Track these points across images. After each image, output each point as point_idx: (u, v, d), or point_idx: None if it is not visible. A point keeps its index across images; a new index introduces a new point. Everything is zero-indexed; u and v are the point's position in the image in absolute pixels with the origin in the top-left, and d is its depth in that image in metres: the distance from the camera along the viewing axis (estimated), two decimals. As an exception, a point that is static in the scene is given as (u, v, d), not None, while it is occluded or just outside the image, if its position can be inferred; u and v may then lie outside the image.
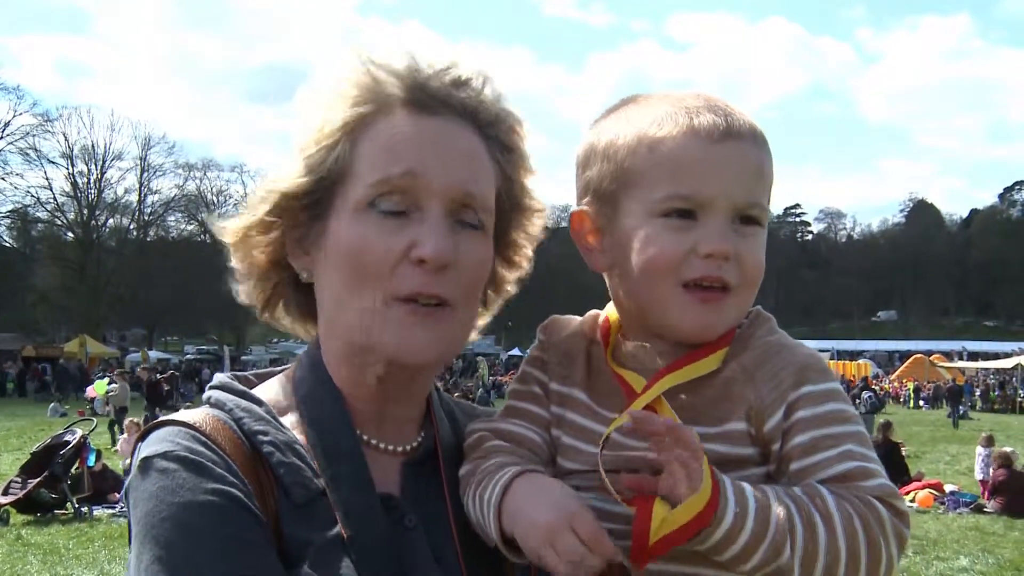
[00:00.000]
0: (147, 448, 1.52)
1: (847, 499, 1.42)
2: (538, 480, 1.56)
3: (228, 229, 1.73)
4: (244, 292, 1.78)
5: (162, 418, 1.60)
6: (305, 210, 1.65)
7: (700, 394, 1.58)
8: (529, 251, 1.84)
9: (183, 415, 1.60)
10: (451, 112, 1.63)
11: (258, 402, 1.66)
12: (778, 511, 1.39)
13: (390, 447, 1.70)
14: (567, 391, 1.72)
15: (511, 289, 1.88)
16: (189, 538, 1.41)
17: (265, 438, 1.59)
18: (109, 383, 34.15)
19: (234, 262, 1.75)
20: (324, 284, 1.65)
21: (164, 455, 1.49)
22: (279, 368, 1.83)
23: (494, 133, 1.69)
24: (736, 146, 1.57)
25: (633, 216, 1.61)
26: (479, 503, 1.58)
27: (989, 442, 21.42)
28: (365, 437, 1.67)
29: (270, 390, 1.73)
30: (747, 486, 1.42)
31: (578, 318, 1.80)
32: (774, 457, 1.52)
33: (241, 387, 1.70)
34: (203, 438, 1.53)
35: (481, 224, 1.64)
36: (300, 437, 1.63)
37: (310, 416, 1.64)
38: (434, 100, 1.62)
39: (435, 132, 1.61)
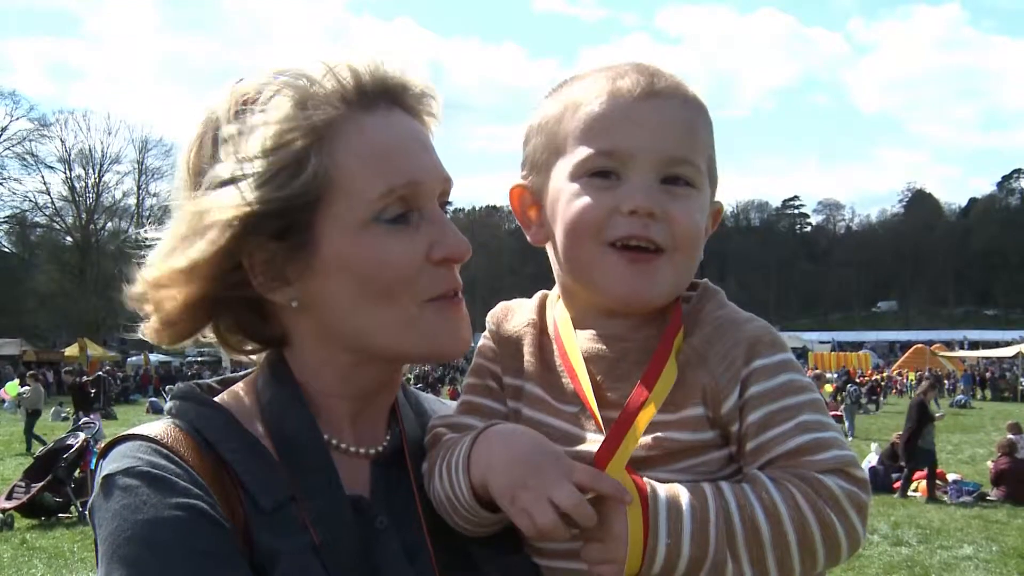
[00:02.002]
0: (108, 465, 1.48)
1: (791, 483, 1.41)
2: (512, 426, 1.55)
3: (154, 272, 1.60)
4: (154, 332, 1.66)
5: (123, 433, 1.56)
6: (274, 238, 1.53)
7: None
8: None
9: (144, 428, 1.55)
10: (402, 108, 1.63)
11: (220, 409, 1.62)
12: (717, 523, 1.39)
13: (361, 449, 1.67)
14: (520, 384, 1.66)
15: None
16: (157, 555, 1.38)
17: (229, 446, 1.55)
18: (21, 384, 33.06)
19: (150, 306, 1.63)
20: (331, 306, 1.58)
21: (126, 472, 1.45)
22: (242, 374, 1.77)
23: (430, 122, 1.70)
24: (659, 103, 1.53)
25: (560, 180, 1.58)
26: (447, 470, 1.54)
27: (1016, 429, 20.75)
28: (334, 441, 1.64)
29: (233, 397, 1.69)
30: (684, 504, 1.40)
31: (527, 302, 1.76)
32: (733, 438, 1.50)
33: (202, 395, 1.66)
34: (165, 451, 1.49)
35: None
36: (266, 443, 1.58)
37: (275, 422, 1.60)
38: (385, 95, 1.60)
39: (414, 132, 1.62)
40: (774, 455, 1.46)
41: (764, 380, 1.49)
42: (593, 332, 1.62)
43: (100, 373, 44.54)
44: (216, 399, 1.66)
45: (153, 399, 44.78)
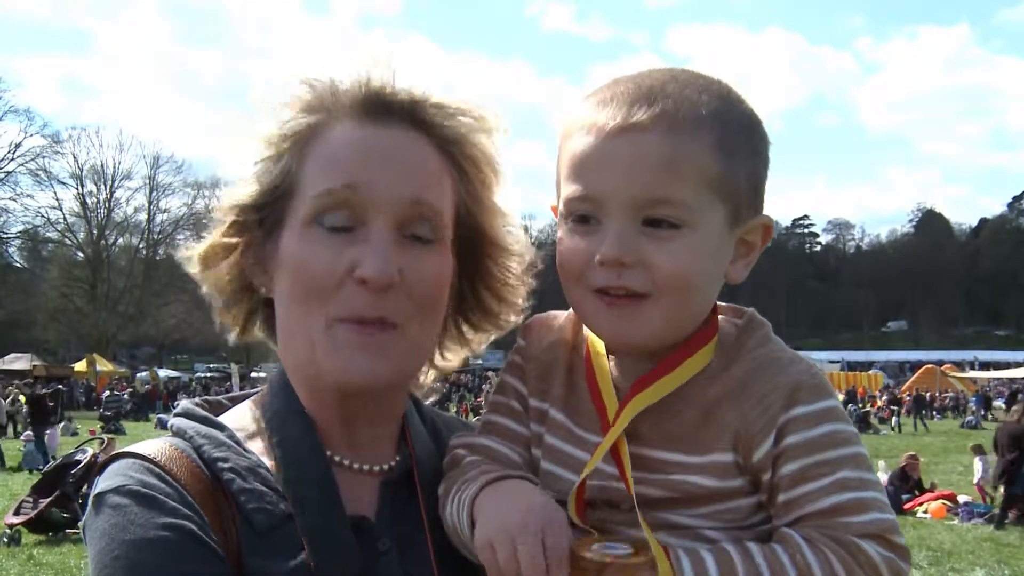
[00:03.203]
0: (101, 483, 1.48)
1: (828, 547, 1.34)
2: (521, 483, 1.48)
3: (192, 256, 1.68)
4: (219, 316, 1.73)
5: (119, 450, 1.56)
6: (260, 226, 1.60)
7: (680, 418, 1.46)
8: (518, 290, 1.76)
9: (140, 447, 1.55)
10: (401, 121, 1.57)
11: (220, 427, 1.61)
12: None
13: (365, 467, 1.64)
14: (545, 408, 1.60)
15: (509, 320, 1.78)
16: None
17: (225, 465, 1.52)
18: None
19: (204, 288, 1.70)
20: (278, 303, 1.60)
21: (116, 490, 1.45)
22: (252, 391, 1.76)
23: (454, 153, 1.62)
24: (632, 139, 1.40)
25: (560, 216, 1.52)
26: (455, 504, 1.51)
27: (979, 450, 21.20)
28: (337, 458, 1.61)
29: (237, 415, 1.68)
30: (711, 569, 1.33)
31: (562, 317, 1.66)
32: (764, 487, 1.42)
33: (203, 413, 1.65)
34: (157, 470, 1.48)
35: (436, 237, 1.56)
36: (267, 461, 1.56)
37: (276, 439, 1.57)
38: (385, 110, 1.57)
39: (384, 143, 1.54)
40: (807, 511, 1.37)
41: (804, 430, 1.39)
42: (622, 359, 1.55)
43: (59, 386, 43.83)
44: (222, 416, 1.66)
45: (161, 415, 44.74)
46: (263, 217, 1.59)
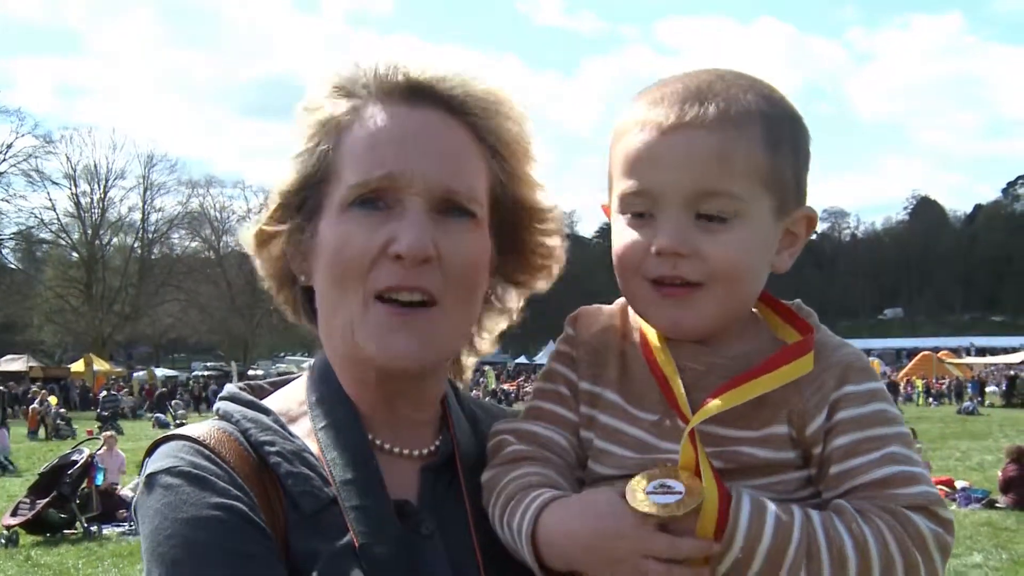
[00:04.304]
0: (152, 464, 1.52)
1: (881, 518, 1.39)
2: (573, 500, 1.52)
3: (244, 239, 1.74)
4: (275, 299, 1.78)
5: (168, 432, 1.61)
6: (299, 212, 1.63)
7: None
8: (554, 251, 1.79)
9: (188, 429, 1.59)
10: (433, 104, 1.61)
11: (266, 411, 1.65)
12: (798, 548, 1.37)
13: (406, 451, 1.67)
14: (599, 391, 1.64)
15: (546, 282, 1.82)
16: (194, 555, 1.41)
17: (272, 448, 1.56)
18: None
19: (259, 271, 1.75)
20: (317, 289, 1.64)
21: (168, 471, 1.49)
22: (295, 375, 1.81)
23: (483, 123, 1.64)
24: (684, 135, 1.49)
25: (614, 211, 1.60)
26: (509, 531, 1.55)
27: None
28: (378, 442, 1.64)
29: (282, 398, 1.72)
30: (770, 513, 1.39)
31: (609, 308, 1.72)
32: (815, 460, 1.49)
33: (249, 397, 1.69)
34: (207, 452, 1.52)
35: (470, 214, 1.59)
36: (312, 445, 1.60)
37: (320, 423, 1.61)
38: (415, 93, 1.60)
39: (416, 127, 1.58)
40: (859, 483, 1.44)
41: (855, 406, 1.48)
42: (680, 345, 1.58)
43: (2, 388, 43.90)
44: (265, 400, 1.70)
45: (159, 415, 44.75)
46: (303, 203, 1.63)
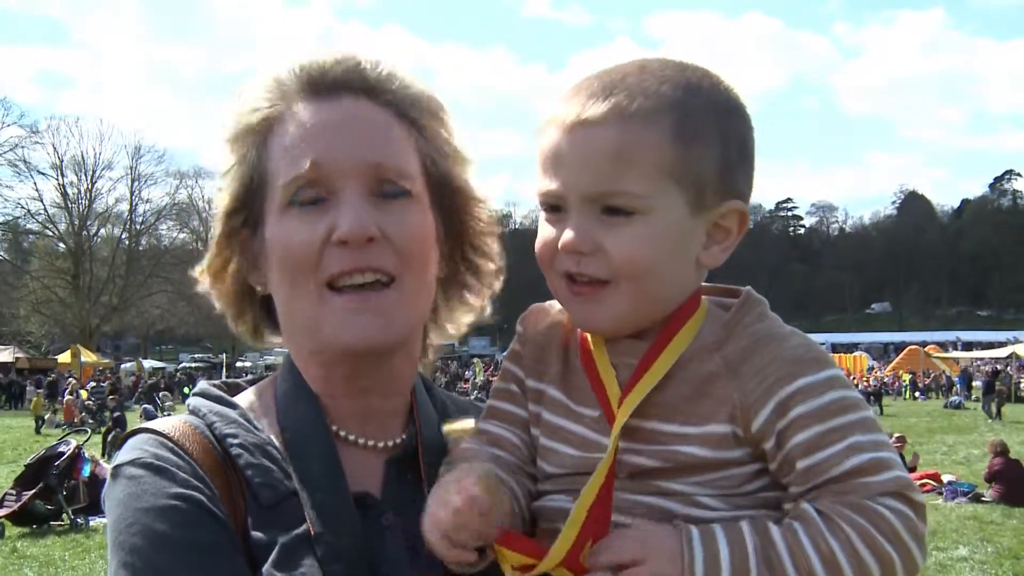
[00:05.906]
0: (120, 456, 1.58)
1: (845, 521, 1.36)
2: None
3: (200, 276, 1.76)
4: (234, 326, 1.81)
5: (136, 427, 1.66)
6: (244, 226, 1.68)
7: (678, 391, 1.49)
8: (492, 239, 1.82)
9: (156, 423, 1.65)
10: (353, 94, 1.64)
11: (233, 406, 1.69)
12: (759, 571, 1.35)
13: (371, 443, 1.70)
14: (543, 388, 1.64)
15: (493, 279, 1.86)
16: (153, 543, 1.46)
17: (235, 441, 1.61)
18: None
19: (217, 303, 1.78)
20: (274, 290, 1.68)
21: (132, 462, 1.55)
22: (271, 373, 1.86)
23: (405, 110, 1.67)
24: (584, 133, 1.47)
25: (538, 206, 1.60)
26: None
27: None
28: (343, 433, 1.68)
29: (251, 395, 1.77)
30: (724, 556, 1.36)
31: (558, 305, 1.69)
32: (770, 456, 1.44)
33: (218, 393, 1.74)
34: (171, 444, 1.57)
35: (407, 191, 1.63)
36: (276, 439, 1.64)
37: (284, 417, 1.67)
38: (333, 85, 1.63)
39: (338, 116, 1.61)
40: (826, 477, 1.40)
41: (812, 399, 1.42)
42: (619, 341, 1.57)
43: None
44: (237, 397, 1.75)
45: (147, 406, 44.62)
46: (245, 217, 1.67)
